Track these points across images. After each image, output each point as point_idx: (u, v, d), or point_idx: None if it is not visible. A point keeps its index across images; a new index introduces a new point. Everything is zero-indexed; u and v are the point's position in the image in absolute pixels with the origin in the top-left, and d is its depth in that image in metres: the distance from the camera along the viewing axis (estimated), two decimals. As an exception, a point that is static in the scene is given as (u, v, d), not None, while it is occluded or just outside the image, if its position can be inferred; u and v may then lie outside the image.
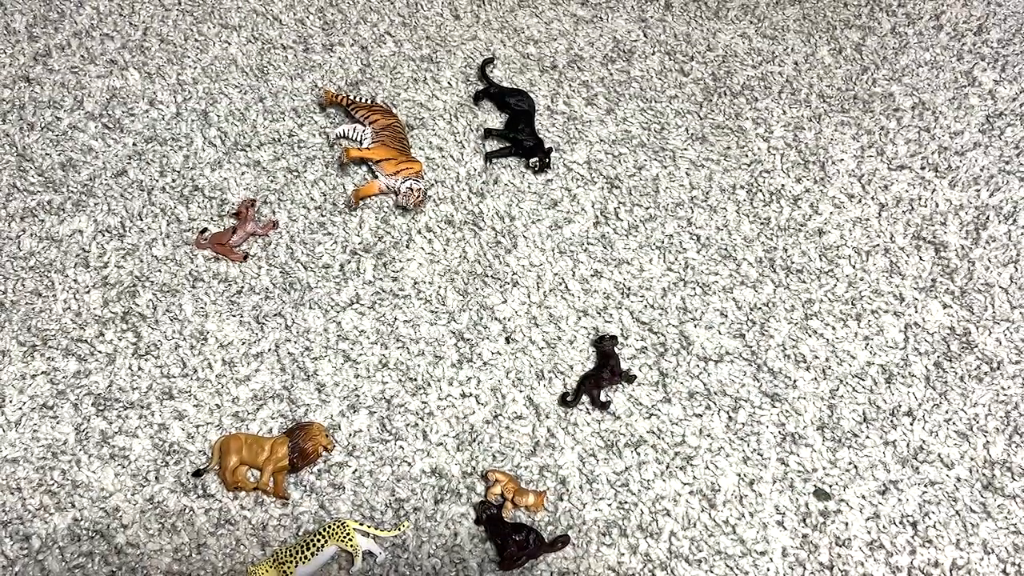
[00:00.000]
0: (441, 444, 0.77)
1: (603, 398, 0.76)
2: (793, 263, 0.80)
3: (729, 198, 0.83)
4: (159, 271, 0.78)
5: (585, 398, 0.77)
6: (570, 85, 0.89)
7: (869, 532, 0.69)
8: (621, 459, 0.73)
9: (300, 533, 0.74)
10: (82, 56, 0.89)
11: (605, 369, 0.76)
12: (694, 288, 0.79)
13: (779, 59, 0.91)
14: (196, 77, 0.88)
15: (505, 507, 0.75)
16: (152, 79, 0.88)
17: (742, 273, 0.79)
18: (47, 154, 0.83)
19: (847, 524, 0.69)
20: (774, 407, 0.73)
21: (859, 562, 0.68)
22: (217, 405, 0.74)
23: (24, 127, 0.85)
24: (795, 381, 0.74)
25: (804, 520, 0.69)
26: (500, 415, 0.78)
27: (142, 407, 0.73)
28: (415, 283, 0.82)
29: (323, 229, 0.82)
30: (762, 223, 0.82)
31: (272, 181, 0.83)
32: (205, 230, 0.81)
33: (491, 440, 0.77)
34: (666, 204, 0.83)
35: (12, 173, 0.83)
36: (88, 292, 0.77)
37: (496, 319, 0.81)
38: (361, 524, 0.70)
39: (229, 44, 0.90)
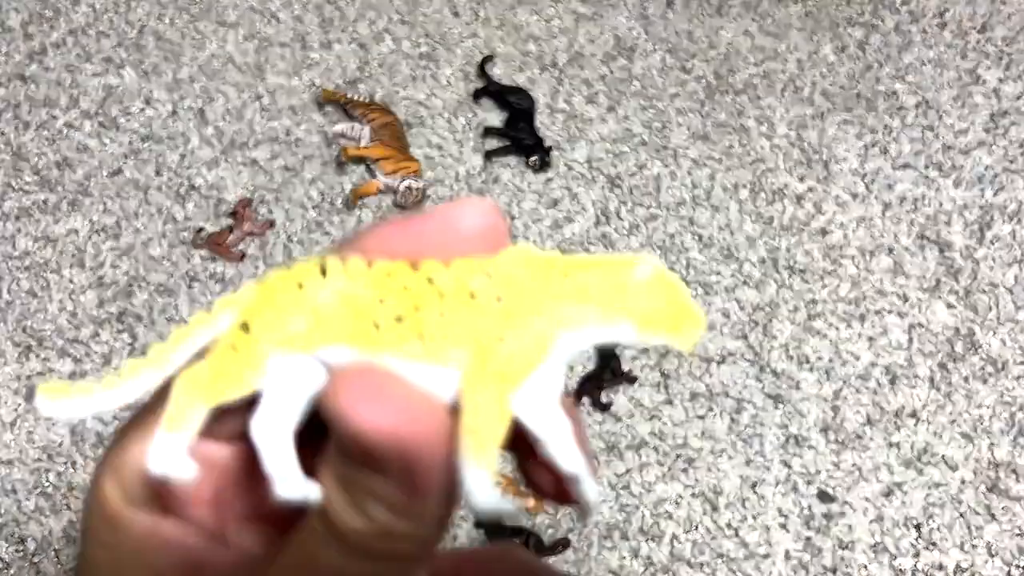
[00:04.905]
0: (440, 446, 0.77)
1: (604, 399, 0.76)
2: (796, 263, 0.79)
3: (731, 197, 0.83)
4: (155, 271, 0.78)
5: (586, 399, 0.76)
6: (571, 83, 0.89)
7: (873, 535, 0.69)
8: (622, 461, 0.72)
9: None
10: (77, 54, 0.89)
11: (606, 370, 0.75)
12: (696, 288, 0.78)
13: (782, 57, 0.90)
14: (192, 75, 0.88)
15: (505, 509, 0.74)
16: (148, 77, 0.88)
17: (744, 273, 0.79)
18: (42, 153, 0.83)
19: (851, 527, 0.69)
20: (777, 408, 0.73)
21: (862, 565, 0.68)
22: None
23: (19, 126, 0.85)
24: (798, 382, 0.74)
25: (807, 523, 0.69)
26: (500, 416, 0.77)
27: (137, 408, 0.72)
28: (414, 283, 0.81)
29: (321, 229, 0.81)
30: (765, 222, 0.81)
31: (269, 180, 0.83)
32: (201, 229, 0.80)
33: (491, 442, 0.77)
34: (668, 203, 0.83)
35: (7, 172, 0.82)
36: (83, 292, 0.76)
37: (496, 319, 0.80)
38: None
39: (226, 42, 0.90)
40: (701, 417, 0.74)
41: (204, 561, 0.21)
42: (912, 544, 0.68)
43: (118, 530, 0.20)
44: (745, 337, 0.76)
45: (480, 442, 0.18)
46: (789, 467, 0.71)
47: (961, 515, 0.69)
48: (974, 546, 0.68)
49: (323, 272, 0.19)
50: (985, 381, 0.74)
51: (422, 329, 0.19)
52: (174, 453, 0.19)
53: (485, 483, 0.18)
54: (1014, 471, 0.71)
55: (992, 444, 0.72)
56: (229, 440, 0.21)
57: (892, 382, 0.74)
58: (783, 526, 0.69)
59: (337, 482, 0.19)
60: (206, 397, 0.19)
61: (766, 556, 0.68)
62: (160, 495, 0.20)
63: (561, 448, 0.19)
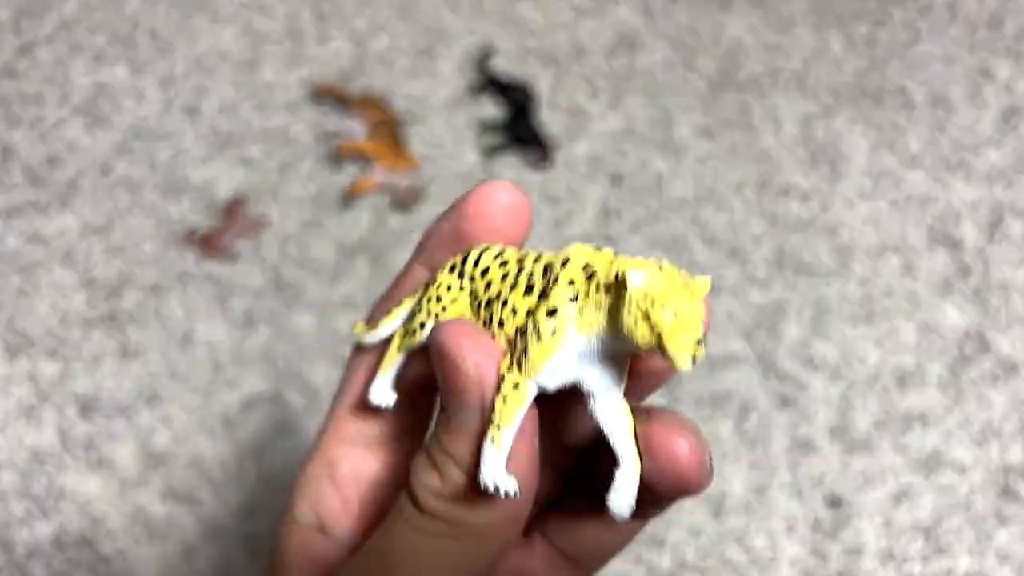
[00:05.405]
0: (439, 449, 0.76)
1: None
2: (803, 262, 0.78)
3: (736, 195, 0.82)
4: (147, 271, 0.76)
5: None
6: (571, 79, 0.88)
7: (880, 540, 0.67)
8: (624, 465, 0.71)
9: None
10: (68, 50, 0.88)
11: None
12: (700, 288, 0.77)
13: (787, 52, 0.89)
14: (186, 71, 0.87)
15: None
16: (140, 73, 0.86)
17: (749, 273, 0.78)
18: (33, 150, 0.82)
19: (858, 532, 0.67)
20: (783, 411, 0.72)
21: (870, 571, 0.66)
22: (206, 409, 0.72)
23: (9, 123, 0.83)
24: (805, 385, 0.73)
25: (814, 528, 0.67)
26: (499, 419, 0.76)
27: (128, 411, 0.71)
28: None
29: (316, 227, 0.80)
30: (770, 221, 0.80)
31: (264, 178, 0.82)
32: (195, 231, 0.79)
33: (490, 445, 0.76)
34: (671, 202, 0.81)
35: (-2, 170, 0.81)
36: (75, 292, 0.75)
37: (495, 320, 0.79)
38: None
39: (220, 37, 0.89)
40: (706, 420, 0.72)
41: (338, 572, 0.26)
42: (921, 549, 0.67)
43: (281, 544, 0.27)
44: (750, 338, 0.75)
45: (495, 420, 0.21)
46: (796, 471, 0.70)
47: (971, 520, 0.68)
48: (984, 551, 0.67)
49: (463, 262, 0.26)
50: (996, 383, 0.73)
51: (493, 315, 0.23)
52: (384, 388, 0.27)
53: (493, 460, 0.21)
54: (1025, 475, 0.69)
55: (1003, 448, 0.71)
56: (380, 443, 0.28)
57: (901, 384, 0.73)
58: (789, 531, 0.68)
59: (423, 450, 0.23)
60: (400, 347, 0.27)
61: (772, 560, 0.67)
62: (317, 515, 0.27)
63: (615, 439, 0.22)
